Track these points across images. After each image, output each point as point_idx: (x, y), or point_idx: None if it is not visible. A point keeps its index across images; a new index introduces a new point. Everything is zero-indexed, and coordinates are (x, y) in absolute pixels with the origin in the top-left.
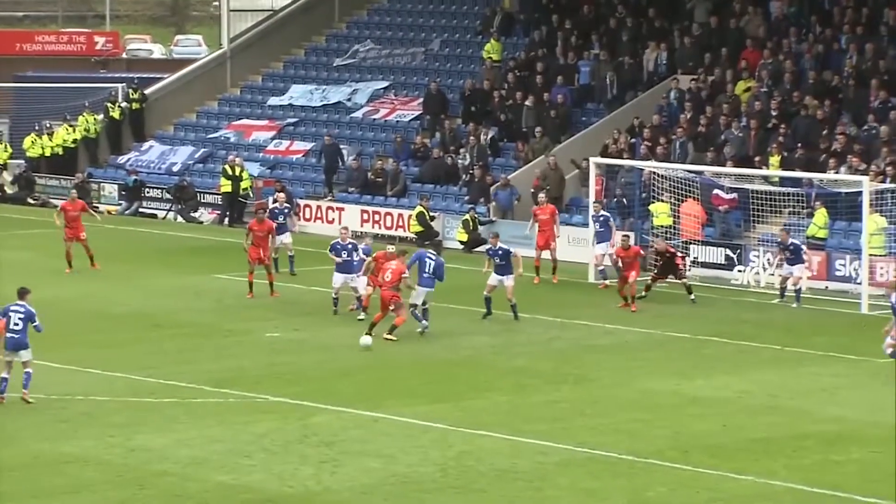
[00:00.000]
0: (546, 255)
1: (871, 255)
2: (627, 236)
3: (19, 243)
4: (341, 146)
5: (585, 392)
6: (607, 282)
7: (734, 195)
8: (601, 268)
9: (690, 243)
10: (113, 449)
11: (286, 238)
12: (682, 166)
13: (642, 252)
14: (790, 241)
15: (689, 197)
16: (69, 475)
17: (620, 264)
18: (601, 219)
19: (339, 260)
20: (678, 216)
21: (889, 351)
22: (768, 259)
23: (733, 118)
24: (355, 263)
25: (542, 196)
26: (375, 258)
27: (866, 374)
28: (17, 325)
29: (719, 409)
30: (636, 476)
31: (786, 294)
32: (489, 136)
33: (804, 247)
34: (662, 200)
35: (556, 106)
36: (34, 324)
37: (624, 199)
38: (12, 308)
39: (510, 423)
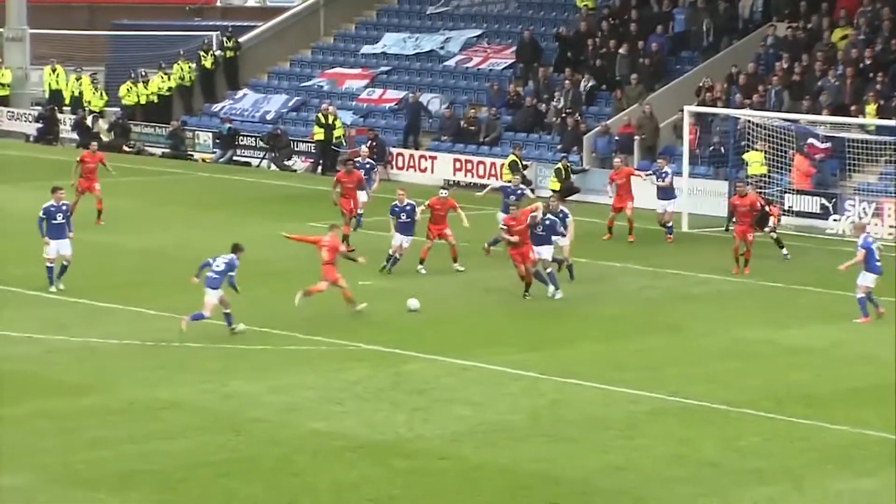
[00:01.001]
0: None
1: None
2: (743, 184)
3: (116, 190)
4: (432, 96)
5: (677, 341)
6: (671, 237)
7: (829, 144)
8: (669, 224)
9: (786, 192)
10: (207, 395)
11: (362, 196)
12: (778, 115)
13: (762, 204)
14: None
15: (796, 152)
16: (164, 420)
17: (735, 218)
18: (663, 175)
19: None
20: (775, 165)
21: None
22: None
23: (829, 66)
24: (411, 224)
25: (617, 160)
26: (430, 205)
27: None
28: (218, 266)
29: (813, 358)
30: (729, 425)
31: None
32: (584, 85)
33: None
34: (757, 149)
35: (650, 54)
36: (230, 274)
37: (721, 149)
38: (221, 257)
39: (601, 371)
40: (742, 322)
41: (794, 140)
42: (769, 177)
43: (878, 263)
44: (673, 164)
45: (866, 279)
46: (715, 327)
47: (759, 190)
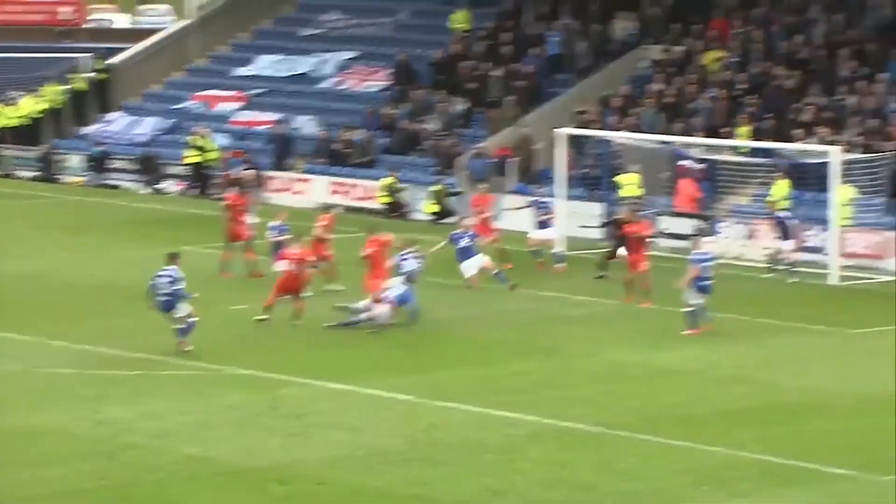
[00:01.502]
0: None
1: (840, 225)
2: (635, 204)
3: None
4: (307, 118)
5: (554, 364)
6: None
7: (702, 166)
8: (553, 251)
9: (662, 214)
10: (81, 422)
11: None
12: (651, 137)
13: (653, 229)
14: (777, 214)
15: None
16: (38, 447)
17: (624, 246)
18: (542, 206)
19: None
20: (651, 188)
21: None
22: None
23: (703, 88)
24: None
25: (481, 186)
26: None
27: (835, 344)
28: (164, 288)
29: (688, 380)
30: (606, 447)
31: (778, 268)
32: (459, 107)
33: (794, 220)
34: (631, 171)
35: (525, 76)
36: (178, 288)
37: (596, 171)
38: (161, 273)
39: (479, 395)
40: (618, 344)
41: (670, 162)
42: (644, 199)
43: (708, 283)
44: (547, 186)
45: (694, 297)
46: (591, 349)
47: (636, 208)
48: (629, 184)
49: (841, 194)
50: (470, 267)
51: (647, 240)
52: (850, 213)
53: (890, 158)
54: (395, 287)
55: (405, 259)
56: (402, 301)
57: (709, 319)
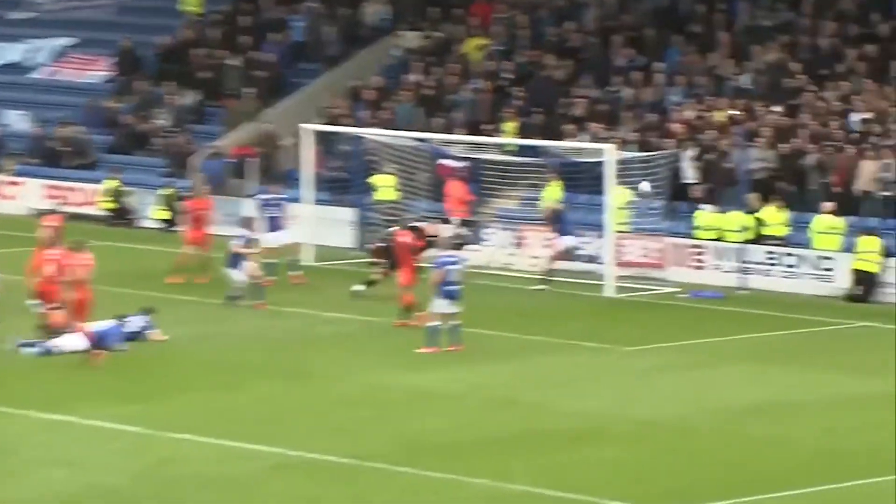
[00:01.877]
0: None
1: (616, 231)
2: (398, 216)
3: None
4: (18, 113)
5: (301, 388)
6: (298, 275)
7: (465, 165)
8: (292, 259)
9: (424, 219)
10: None
11: None
12: (408, 133)
13: (429, 238)
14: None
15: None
16: None
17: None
18: (273, 204)
19: None
20: (408, 190)
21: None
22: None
23: (464, 80)
24: None
25: (202, 187)
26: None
27: (612, 363)
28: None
29: (451, 404)
30: (359, 481)
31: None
32: (190, 100)
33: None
34: (386, 172)
35: (266, 65)
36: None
37: (345, 173)
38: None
39: (217, 424)
40: (374, 365)
41: (429, 162)
42: (401, 203)
43: (455, 288)
44: (295, 189)
45: (440, 305)
46: (343, 372)
47: (390, 217)
48: (384, 186)
49: (617, 197)
50: (237, 274)
51: (417, 252)
52: (626, 218)
53: (669, 157)
54: (101, 324)
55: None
56: (101, 338)
57: (459, 338)
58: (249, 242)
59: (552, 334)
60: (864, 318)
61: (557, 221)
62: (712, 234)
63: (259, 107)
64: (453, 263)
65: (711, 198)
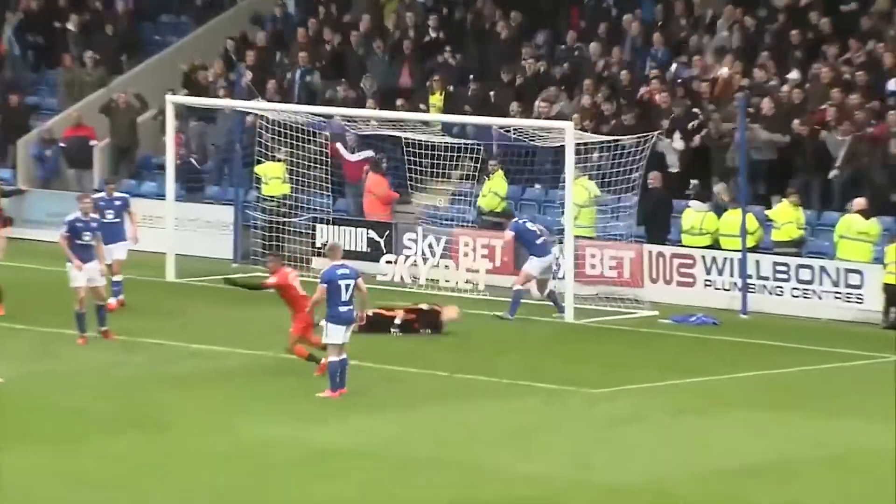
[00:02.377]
0: None
1: (578, 236)
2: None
3: None
4: None
5: (161, 443)
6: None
7: (368, 153)
8: (117, 279)
9: (324, 221)
10: None
11: None
12: (303, 108)
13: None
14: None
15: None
16: None
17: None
18: (117, 204)
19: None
20: (304, 183)
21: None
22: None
23: (376, 37)
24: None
25: None
26: None
27: (571, 410)
28: None
29: (357, 464)
30: None
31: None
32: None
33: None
34: (277, 159)
35: (113, 19)
36: None
37: (221, 160)
38: None
39: (52, 489)
40: (256, 413)
41: (329, 144)
42: (295, 199)
43: (348, 309)
44: (153, 182)
45: (334, 334)
46: (216, 422)
47: (283, 219)
48: (273, 177)
49: (578, 191)
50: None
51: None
52: (591, 220)
53: (647, 138)
54: None
55: None
56: None
57: (344, 377)
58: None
59: (493, 372)
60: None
61: (520, 232)
62: (704, 240)
63: (105, 75)
64: (347, 277)
65: (702, 192)
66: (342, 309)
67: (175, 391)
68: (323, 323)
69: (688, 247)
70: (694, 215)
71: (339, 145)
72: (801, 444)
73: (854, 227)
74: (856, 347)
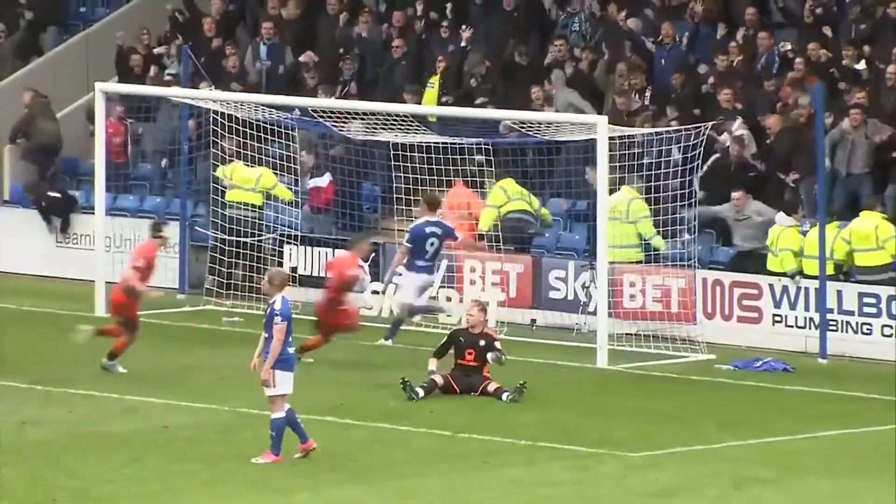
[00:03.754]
0: None
1: (613, 261)
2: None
3: None
4: None
5: None
6: None
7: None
8: None
9: (289, 241)
10: None
11: None
12: (267, 98)
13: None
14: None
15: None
16: None
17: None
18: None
19: None
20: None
21: None
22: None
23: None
24: None
25: None
26: None
27: (608, 479)
28: None
29: None
30: None
31: None
32: None
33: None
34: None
35: None
36: None
37: (165, 161)
38: None
39: None
40: (205, 484)
41: (311, 147)
42: (258, 208)
43: (291, 350)
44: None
45: (282, 382)
46: (157, 496)
47: (248, 230)
48: (238, 185)
49: (616, 203)
50: None
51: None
52: (633, 237)
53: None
54: None
55: None
56: None
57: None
58: None
59: (508, 432)
60: None
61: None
62: (789, 264)
63: (12, 55)
64: (269, 317)
65: (789, 200)
66: (291, 350)
67: (105, 456)
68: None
69: (770, 274)
70: (775, 231)
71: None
72: None
73: None
74: None
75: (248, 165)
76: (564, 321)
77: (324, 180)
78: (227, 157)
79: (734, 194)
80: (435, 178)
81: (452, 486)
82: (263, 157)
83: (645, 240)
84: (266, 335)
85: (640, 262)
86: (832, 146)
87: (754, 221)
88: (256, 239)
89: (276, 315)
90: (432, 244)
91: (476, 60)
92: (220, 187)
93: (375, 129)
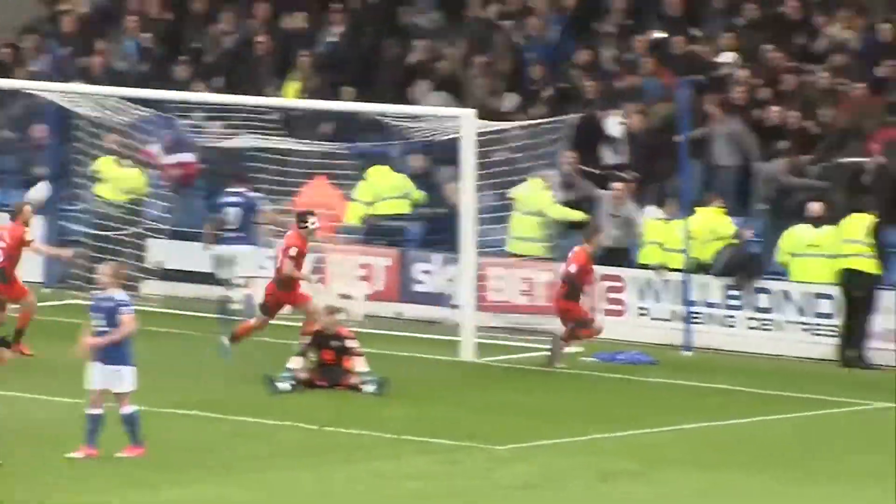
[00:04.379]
0: None
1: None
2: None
3: None
4: None
5: None
6: None
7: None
8: None
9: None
10: None
11: None
12: (133, 92)
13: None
14: None
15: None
16: None
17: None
18: None
19: None
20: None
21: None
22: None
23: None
24: None
25: None
26: None
27: (469, 470)
28: None
29: None
30: None
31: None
32: None
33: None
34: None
35: None
36: None
37: (31, 152)
38: None
39: None
40: (71, 478)
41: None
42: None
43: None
44: None
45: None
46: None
47: (104, 232)
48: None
49: (531, 191)
50: None
51: None
52: (534, 230)
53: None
54: None
55: None
56: None
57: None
58: None
59: (373, 425)
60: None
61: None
62: (654, 257)
63: None
64: (112, 309)
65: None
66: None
67: None
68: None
69: (643, 267)
70: (644, 224)
71: (152, 147)
72: None
73: (803, 239)
74: (826, 392)
75: (116, 161)
76: (431, 314)
77: (187, 157)
78: (94, 151)
79: (614, 186)
80: (303, 172)
81: (320, 479)
82: (127, 151)
83: (555, 219)
84: (103, 327)
85: (544, 256)
86: (698, 141)
87: (626, 218)
88: (121, 233)
89: (124, 307)
90: (236, 215)
91: (340, 56)
92: (88, 182)
93: (237, 130)
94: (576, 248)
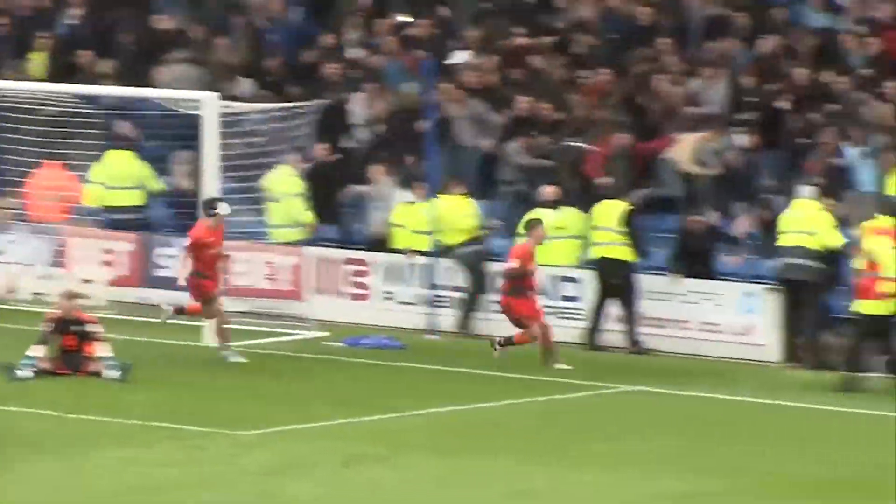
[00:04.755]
0: None
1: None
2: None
3: None
4: None
5: None
6: None
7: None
8: None
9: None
10: None
11: None
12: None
13: None
14: None
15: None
16: None
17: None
18: None
19: None
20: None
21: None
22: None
23: None
24: None
25: None
26: None
27: (214, 456)
28: None
29: None
30: None
31: None
32: None
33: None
34: None
35: None
36: None
37: None
38: None
39: None
40: None
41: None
42: None
43: None
44: None
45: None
46: None
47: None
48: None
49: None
50: None
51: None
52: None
53: (321, 106)
54: None
55: None
56: None
57: None
58: None
59: (118, 411)
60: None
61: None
62: (403, 241)
63: None
64: None
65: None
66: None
67: None
68: None
69: (366, 250)
70: (394, 208)
71: None
72: (502, 499)
73: (552, 222)
74: (573, 375)
75: None
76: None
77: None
78: None
79: (372, 169)
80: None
81: (64, 468)
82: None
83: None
84: None
85: (298, 242)
86: (445, 123)
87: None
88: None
89: None
90: None
91: (79, 37)
92: None
93: None
94: (517, 243)
